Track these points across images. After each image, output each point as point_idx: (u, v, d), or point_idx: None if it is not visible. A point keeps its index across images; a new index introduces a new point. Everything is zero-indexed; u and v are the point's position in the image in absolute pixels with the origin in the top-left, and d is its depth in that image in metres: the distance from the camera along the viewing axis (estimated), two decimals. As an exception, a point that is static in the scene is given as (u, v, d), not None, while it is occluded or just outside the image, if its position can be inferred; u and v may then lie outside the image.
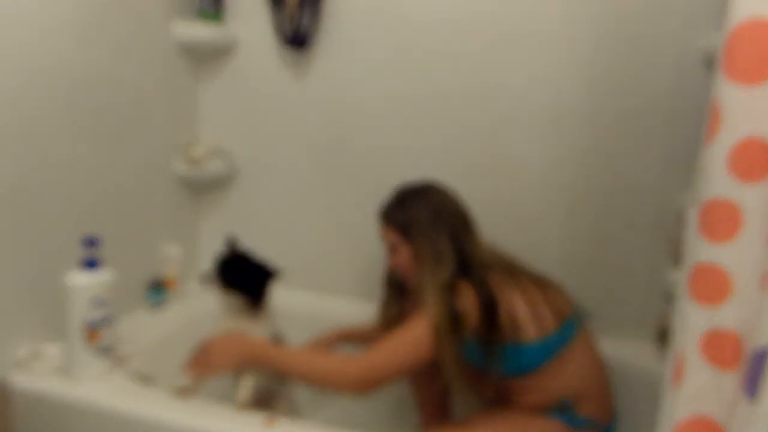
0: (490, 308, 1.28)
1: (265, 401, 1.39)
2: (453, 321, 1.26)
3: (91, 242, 1.29)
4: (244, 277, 1.36)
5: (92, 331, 1.29)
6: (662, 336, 1.55)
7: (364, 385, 1.26)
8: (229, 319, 1.36)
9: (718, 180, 0.82)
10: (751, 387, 0.75)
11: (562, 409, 1.32)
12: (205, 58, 1.87)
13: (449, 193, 1.39)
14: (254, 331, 1.35)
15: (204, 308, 1.64)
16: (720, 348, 0.83)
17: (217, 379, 1.35)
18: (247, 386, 1.31)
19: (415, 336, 1.27)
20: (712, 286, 0.84)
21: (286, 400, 1.45)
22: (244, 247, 1.43)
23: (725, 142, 0.81)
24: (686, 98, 1.50)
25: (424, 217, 1.35)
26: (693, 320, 0.86)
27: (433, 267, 1.31)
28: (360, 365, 1.27)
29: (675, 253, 1.48)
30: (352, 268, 1.86)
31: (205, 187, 1.95)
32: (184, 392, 1.28)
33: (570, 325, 1.34)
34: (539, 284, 1.37)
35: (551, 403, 1.32)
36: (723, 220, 0.82)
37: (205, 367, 1.28)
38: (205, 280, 1.38)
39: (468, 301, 1.27)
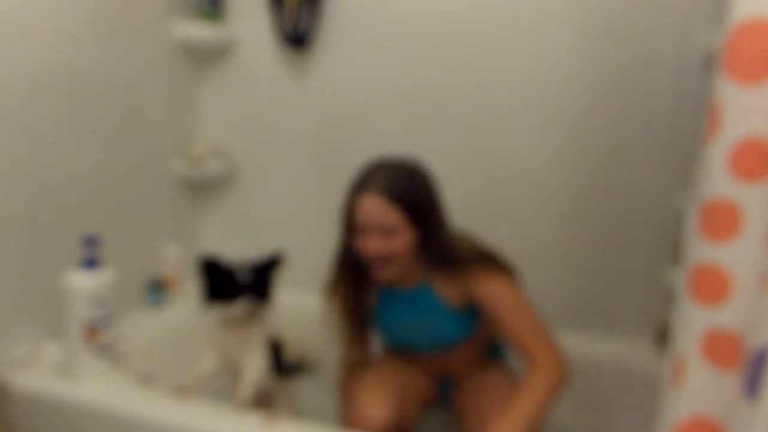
0: None
1: (265, 400, 1.39)
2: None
3: (90, 242, 1.29)
4: (269, 282, 1.33)
5: (91, 330, 1.29)
6: (662, 336, 1.55)
7: (565, 366, 1.27)
8: (229, 331, 1.34)
9: (718, 180, 0.82)
10: (751, 386, 0.75)
11: (498, 346, 1.51)
12: (205, 58, 1.87)
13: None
14: (255, 336, 1.34)
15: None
16: (720, 347, 0.83)
17: (216, 378, 1.35)
18: (248, 385, 1.31)
19: (522, 296, 1.32)
20: (712, 285, 0.84)
21: (285, 399, 1.45)
22: (221, 257, 1.34)
23: (725, 142, 0.81)
24: (686, 98, 1.50)
25: (431, 197, 1.30)
26: (693, 320, 0.86)
27: (459, 242, 1.33)
28: (550, 359, 1.26)
29: (675, 253, 1.48)
30: (351, 267, 1.86)
31: (204, 187, 1.95)
32: (183, 392, 1.28)
33: None
34: None
35: (491, 344, 1.50)
36: (723, 220, 0.82)
37: None
38: (246, 311, 1.30)
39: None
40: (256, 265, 1.32)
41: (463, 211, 1.41)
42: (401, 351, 1.50)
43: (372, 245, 1.26)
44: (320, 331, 1.61)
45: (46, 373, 1.32)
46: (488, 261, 1.33)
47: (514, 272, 1.35)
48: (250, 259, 1.34)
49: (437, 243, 1.30)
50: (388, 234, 1.25)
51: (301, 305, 1.83)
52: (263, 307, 1.32)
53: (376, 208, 1.23)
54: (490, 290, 1.30)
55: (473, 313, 1.37)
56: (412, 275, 1.36)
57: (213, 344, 1.36)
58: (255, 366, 1.32)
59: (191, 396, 1.28)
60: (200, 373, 1.33)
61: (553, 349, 1.27)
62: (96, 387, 1.28)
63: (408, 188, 1.26)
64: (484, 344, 1.47)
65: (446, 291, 1.35)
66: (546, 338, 1.28)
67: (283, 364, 1.43)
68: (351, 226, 1.30)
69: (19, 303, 1.35)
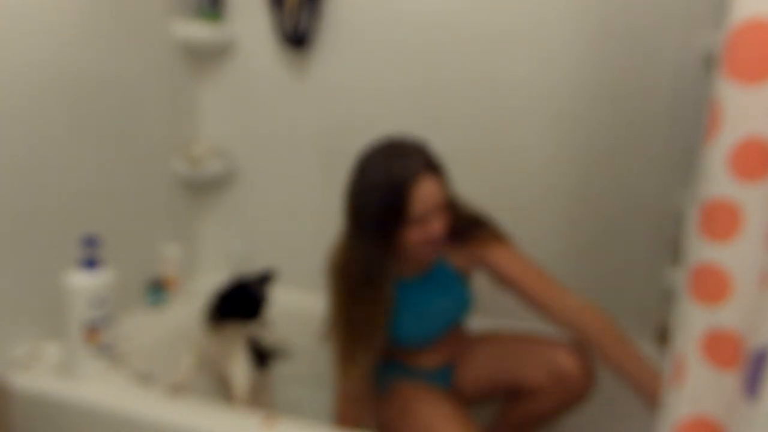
0: None
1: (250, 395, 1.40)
2: None
3: (90, 242, 1.29)
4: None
5: (91, 330, 1.29)
6: (662, 336, 1.55)
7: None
8: (214, 338, 1.34)
9: (718, 180, 0.82)
10: (751, 386, 0.75)
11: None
12: (205, 58, 1.87)
13: None
14: (237, 340, 1.35)
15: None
16: (720, 347, 0.83)
17: (209, 377, 1.36)
18: (240, 388, 1.31)
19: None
20: (712, 285, 0.83)
21: (264, 393, 1.46)
22: (242, 277, 1.37)
23: (725, 142, 0.81)
24: (686, 98, 1.50)
25: None
26: (693, 320, 0.86)
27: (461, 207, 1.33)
28: (590, 305, 1.31)
29: (675, 253, 1.48)
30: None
31: (205, 187, 1.95)
32: (176, 389, 1.29)
33: None
34: None
35: None
36: (723, 220, 0.82)
37: None
38: (261, 329, 1.33)
39: None
40: (260, 282, 1.34)
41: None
42: (409, 349, 1.41)
43: (441, 225, 1.22)
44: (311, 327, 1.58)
45: (46, 373, 1.32)
46: (489, 225, 1.33)
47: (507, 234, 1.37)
48: (246, 275, 1.35)
49: (458, 210, 1.30)
50: (446, 209, 1.23)
51: (301, 305, 1.83)
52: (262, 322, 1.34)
53: (437, 188, 1.19)
54: (503, 255, 1.30)
55: (468, 280, 1.39)
56: None
57: (194, 346, 1.36)
58: (241, 369, 1.33)
59: (184, 393, 1.28)
60: (187, 370, 1.34)
61: (579, 297, 1.28)
62: (96, 387, 1.28)
63: (437, 158, 1.24)
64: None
65: (455, 259, 1.34)
66: (566, 288, 1.29)
67: (262, 353, 1.45)
68: (407, 218, 1.19)
69: (19, 303, 1.35)
